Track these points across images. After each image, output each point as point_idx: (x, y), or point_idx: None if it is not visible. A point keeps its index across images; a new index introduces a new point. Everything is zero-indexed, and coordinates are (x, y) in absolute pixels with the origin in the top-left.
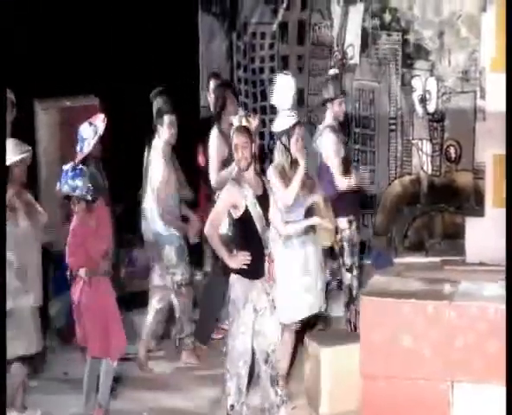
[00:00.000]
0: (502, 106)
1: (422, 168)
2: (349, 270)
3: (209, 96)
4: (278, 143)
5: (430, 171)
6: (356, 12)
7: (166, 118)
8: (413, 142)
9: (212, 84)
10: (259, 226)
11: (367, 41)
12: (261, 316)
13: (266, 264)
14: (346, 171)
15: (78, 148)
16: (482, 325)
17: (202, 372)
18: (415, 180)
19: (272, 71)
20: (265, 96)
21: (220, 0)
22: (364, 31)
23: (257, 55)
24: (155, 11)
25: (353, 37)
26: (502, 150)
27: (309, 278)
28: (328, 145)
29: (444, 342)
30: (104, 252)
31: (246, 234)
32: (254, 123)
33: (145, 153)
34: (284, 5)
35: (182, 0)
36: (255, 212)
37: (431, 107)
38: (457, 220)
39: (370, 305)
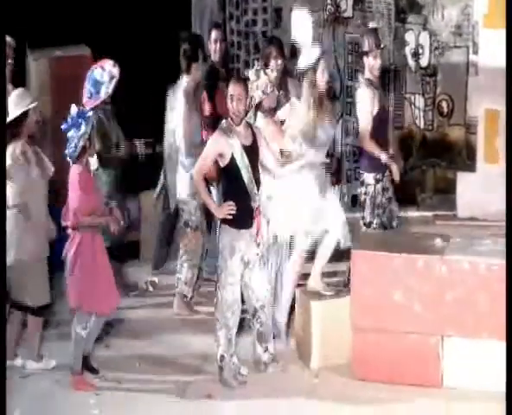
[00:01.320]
0: (494, 62)
1: (414, 122)
2: (367, 225)
3: (210, 46)
4: (304, 80)
5: (422, 125)
6: None
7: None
8: (406, 96)
9: (214, 34)
10: (245, 176)
11: None
12: (250, 269)
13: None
14: (378, 128)
15: (88, 93)
16: (472, 280)
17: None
18: (407, 134)
19: (265, 23)
20: (257, 48)
21: None
22: None
23: (250, 7)
24: None
25: None
26: (494, 105)
27: (323, 202)
28: (360, 98)
29: (434, 297)
30: (91, 209)
31: (232, 184)
32: (272, 74)
33: (169, 94)
34: None
35: None
36: (242, 162)
37: (423, 61)
38: (448, 175)
39: (361, 259)
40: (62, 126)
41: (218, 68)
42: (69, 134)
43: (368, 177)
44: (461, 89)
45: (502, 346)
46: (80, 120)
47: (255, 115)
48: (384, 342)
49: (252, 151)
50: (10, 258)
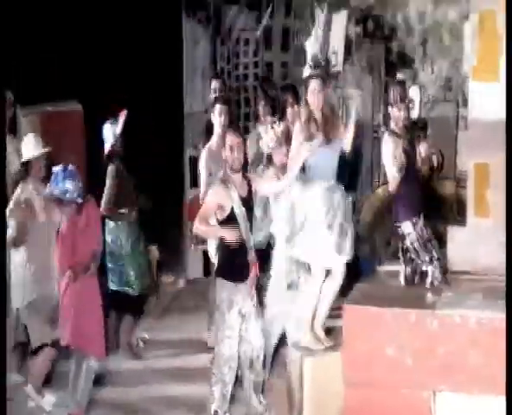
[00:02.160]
0: (483, 115)
1: None
2: (430, 262)
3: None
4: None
5: None
6: (340, 20)
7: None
8: None
9: (213, 85)
10: (243, 227)
11: (350, 48)
12: (247, 321)
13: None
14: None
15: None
16: (463, 335)
17: None
18: None
19: (256, 78)
20: (248, 103)
21: (204, 5)
22: (347, 38)
23: (241, 62)
24: (139, 16)
25: (336, 44)
26: (484, 159)
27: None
28: (384, 149)
29: (426, 351)
30: (92, 253)
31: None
32: (279, 129)
33: None
34: (269, 12)
35: (167, 5)
36: (240, 214)
37: (414, 115)
38: (439, 229)
39: (353, 313)
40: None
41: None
42: (55, 192)
43: (407, 226)
44: (451, 143)
45: (493, 401)
46: (61, 176)
47: (266, 169)
48: (376, 397)
49: (247, 203)
50: (20, 301)
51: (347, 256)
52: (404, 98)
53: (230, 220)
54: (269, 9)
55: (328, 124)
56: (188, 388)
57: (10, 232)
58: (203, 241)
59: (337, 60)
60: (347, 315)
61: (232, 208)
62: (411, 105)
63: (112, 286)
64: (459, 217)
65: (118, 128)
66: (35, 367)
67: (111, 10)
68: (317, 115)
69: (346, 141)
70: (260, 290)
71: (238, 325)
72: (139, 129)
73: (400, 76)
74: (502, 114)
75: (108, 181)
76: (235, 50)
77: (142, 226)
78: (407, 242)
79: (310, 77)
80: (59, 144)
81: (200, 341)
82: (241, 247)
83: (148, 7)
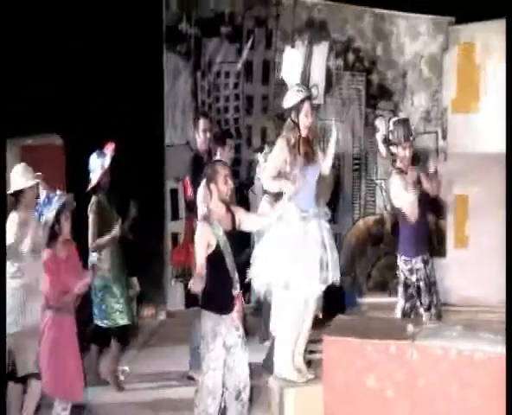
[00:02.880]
0: (462, 147)
1: (386, 208)
2: (427, 309)
3: (198, 135)
4: (288, 120)
5: (393, 211)
6: (320, 52)
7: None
8: (377, 182)
9: (202, 124)
10: (228, 263)
11: (331, 80)
12: (232, 353)
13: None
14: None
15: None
16: (444, 366)
17: None
18: (379, 220)
19: (237, 110)
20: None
21: (184, 38)
22: (328, 71)
23: (221, 95)
24: (120, 49)
25: (317, 77)
26: (463, 191)
27: (324, 252)
28: (393, 188)
29: (406, 383)
30: (71, 288)
31: (216, 272)
32: None
33: None
34: (249, 44)
35: (148, 38)
36: (225, 248)
37: (394, 147)
38: None
39: (333, 345)
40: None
41: (202, 156)
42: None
43: (417, 262)
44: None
45: None
46: (46, 207)
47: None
48: None
49: (232, 236)
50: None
51: (322, 284)
52: (408, 137)
53: (216, 256)
54: (249, 42)
55: (309, 149)
56: None
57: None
58: (183, 276)
59: (318, 92)
60: (327, 346)
61: (217, 244)
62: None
63: (96, 320)
64: (439, 247)
65: (107, 160)
66: (25, 404)
67: (92, 43)
68: (303, 139)
69: (325, 164)
70: (245, 321)
71: (223, 357)
72: (120, 161)
73: (403, 116)
74: (481, 146)
75: (92, 216)
76: (216, 83)
77: (124, 258)
78: (413, 278)
79: (304, 99)
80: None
81: (180, 373)
82: (227, 280)
83: (129, 40)
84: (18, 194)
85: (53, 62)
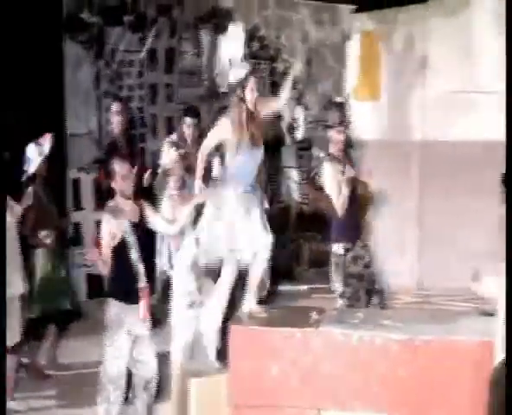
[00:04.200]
0: (364, 134)
1: (291, 196)
2: (341, 296)
3: (112, 119)
4: (233, 96)
5: (298, 199)
6: (225, 41)
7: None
8: (283, 170)
9: (115, 106)
10: (133, 256)
11: None
12: (139, 343)
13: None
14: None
15: (25, 167)
16: (347, 352)
17: None
18: (284, 208)
19: (141, 99)
20: (133, 125)
21: (86, 27)
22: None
23: (125, 84)
24: (18, 39)
25: (222, 65)
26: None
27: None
28: (325, 174)
29: (311, 370)
30: None
31: (120, 264)
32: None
33: None
34: (153, 33)
35: (47, 27)
36: (131, 241)
37: (298, 135)
38: (324, 248)
39: (238, 334)
40: None
41: (118, 140)
42: None
43: (338, 247)
44: None
45: None
46: None
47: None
48: None
49: (139, 228)
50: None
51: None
52: (343, 121)
53: (121, 247)
54: (153, 31)
55: (256, 130)
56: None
57: None
58: None
59: (223, 80)
60: (233, 335)
61: (122, 237)
62: (295, 125)
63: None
64: None
65: (46, 148)
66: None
67: None
68: (251, 116)
69: (280, 99)
70: (153, 313)
71: (127, 346)
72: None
73: (340, 98)
74: (382, 134)
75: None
76: (119, 72)
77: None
78: (334, 261)
79: (250, 73)
80: None
81: (86, 363)
82: (131, 272)
83: (28, 28)
84: None
85: None
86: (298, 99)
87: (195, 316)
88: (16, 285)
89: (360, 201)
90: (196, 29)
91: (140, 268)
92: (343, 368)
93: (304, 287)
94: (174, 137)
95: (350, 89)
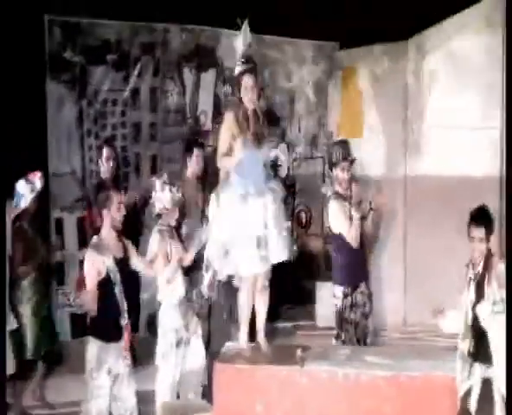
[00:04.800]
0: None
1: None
2: (336, 337)
3: (102, 164)
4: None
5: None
6: (208, 79)
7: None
8: None
9: (105, 152)
10: (117, 292)
11: (219, 107)
12: (119, 381)
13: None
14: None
15: (13, 203)
16: (332, 389)
17: None
18: None
19: (125, 138)
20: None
21: (69, 67)
22: (216, 97)
23: (108, 122)
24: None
25: (205, 104)
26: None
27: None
28: (332, 213)
29: (296, 408)
30: None
31: (104, 299)
32: (177, 195)
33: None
34: (136, 72)
35: (30, 67)
36: (115, 277)
37: (282, 173)
38: (308, 286)
39: (223, 372)
40: None
41: (108, 186)
42: None
43: (338, 290)
44: (318, 200)
45: None
46: None
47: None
48: None
49: (123, 263)
50: None
51: (261, 263)
52: (346, 158)
53: (105, 284)
54: (136, 70)
55: (259, 129)
56: None
57: None
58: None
59: (206, 118)
60: (217, 373)
61: (107, 272)
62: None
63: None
64: (327, 271)
65: (38, 185)
66: None
67: None
68: (250, 114)
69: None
70: (134, 350)
71: (108, 385)
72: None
73: (342, 137)
74: (367, 169)
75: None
76: (102, 111)
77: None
78: (334, 302)
79: (243, 72)
80: None
81: (66, 404)
82: (115, 309)
83: (10, 68)
84: None
85: None
86: (282, 137)
87: (181, 354)
88: (8, 321)
89: (366, 238)
90: (179, 68)
91: (123, 304)
92: (329, 406)
93: (289, 324)
94: (165, 176)
95: (333, 126)
